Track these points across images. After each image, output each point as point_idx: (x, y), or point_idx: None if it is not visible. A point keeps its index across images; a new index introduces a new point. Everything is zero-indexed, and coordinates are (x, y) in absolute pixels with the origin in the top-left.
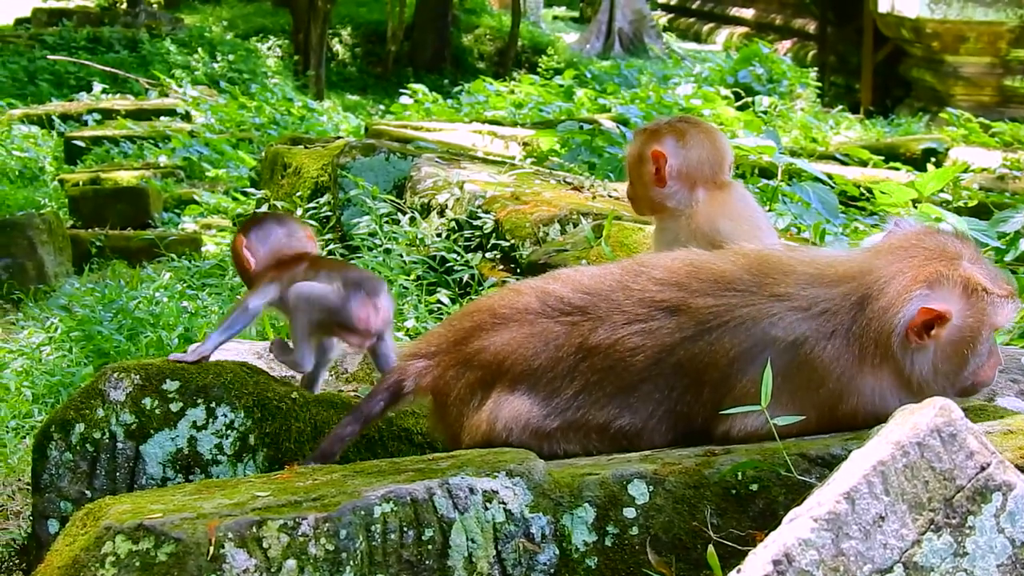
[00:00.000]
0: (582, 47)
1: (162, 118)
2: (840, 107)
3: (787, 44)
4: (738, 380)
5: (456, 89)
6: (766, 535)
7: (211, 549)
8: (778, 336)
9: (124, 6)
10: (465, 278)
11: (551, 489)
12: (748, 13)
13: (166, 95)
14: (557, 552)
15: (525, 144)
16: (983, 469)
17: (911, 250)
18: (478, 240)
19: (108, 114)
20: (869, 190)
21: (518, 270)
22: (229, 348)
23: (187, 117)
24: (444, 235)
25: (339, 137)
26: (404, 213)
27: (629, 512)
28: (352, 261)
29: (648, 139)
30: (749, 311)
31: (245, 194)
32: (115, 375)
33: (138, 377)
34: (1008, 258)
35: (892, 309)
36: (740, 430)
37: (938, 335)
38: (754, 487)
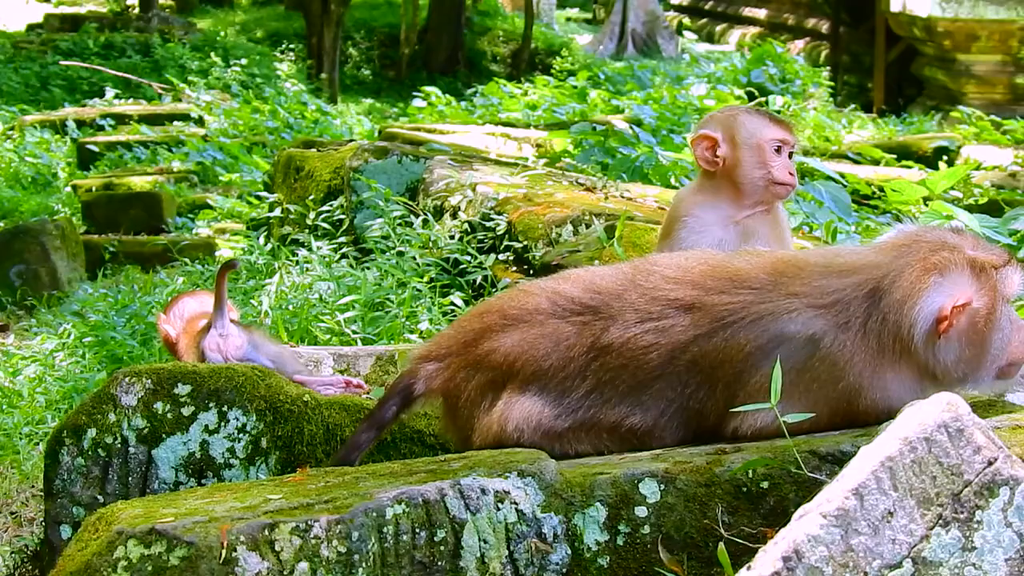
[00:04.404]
0: (595, 48)
1: (175, 123)
2: (853, 106)
3: (800, 44)
4: (752, 376)
5: (470, 91)
6: (776, 532)
7: (223, 552)
8: (794, 331)
9: (137, 11)
10: (479, 280)
11: (563, 489)
12: (761, 13)
13: (179, 100)
14: (569, 552)
15: (538, 146)
16: (990, 464)
17: (914, 245)
18: (491, 242)
19: (121, 119)
20: (881, 188)
21: (531, 271)
22: None
23: (200, 122)
24: (457, 237)
25: (352, 140)
26: (417, 215)
27: (641, 511)
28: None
29: None
30: (766, 307)
31: (259, 198)
32: (127, 379)
33: (150, 381)
34: (1021, 255)
35: (908, 302)
36: (751, 426)
37: (959, 323)
38: (765, 484)
